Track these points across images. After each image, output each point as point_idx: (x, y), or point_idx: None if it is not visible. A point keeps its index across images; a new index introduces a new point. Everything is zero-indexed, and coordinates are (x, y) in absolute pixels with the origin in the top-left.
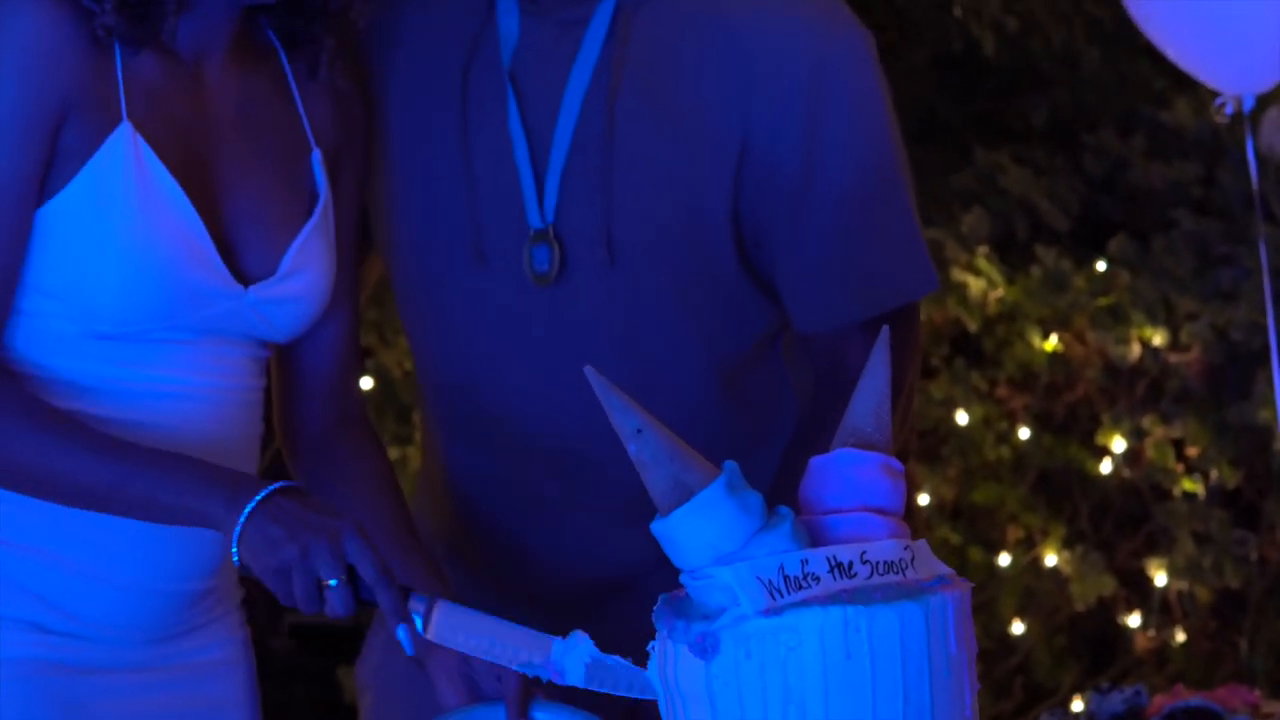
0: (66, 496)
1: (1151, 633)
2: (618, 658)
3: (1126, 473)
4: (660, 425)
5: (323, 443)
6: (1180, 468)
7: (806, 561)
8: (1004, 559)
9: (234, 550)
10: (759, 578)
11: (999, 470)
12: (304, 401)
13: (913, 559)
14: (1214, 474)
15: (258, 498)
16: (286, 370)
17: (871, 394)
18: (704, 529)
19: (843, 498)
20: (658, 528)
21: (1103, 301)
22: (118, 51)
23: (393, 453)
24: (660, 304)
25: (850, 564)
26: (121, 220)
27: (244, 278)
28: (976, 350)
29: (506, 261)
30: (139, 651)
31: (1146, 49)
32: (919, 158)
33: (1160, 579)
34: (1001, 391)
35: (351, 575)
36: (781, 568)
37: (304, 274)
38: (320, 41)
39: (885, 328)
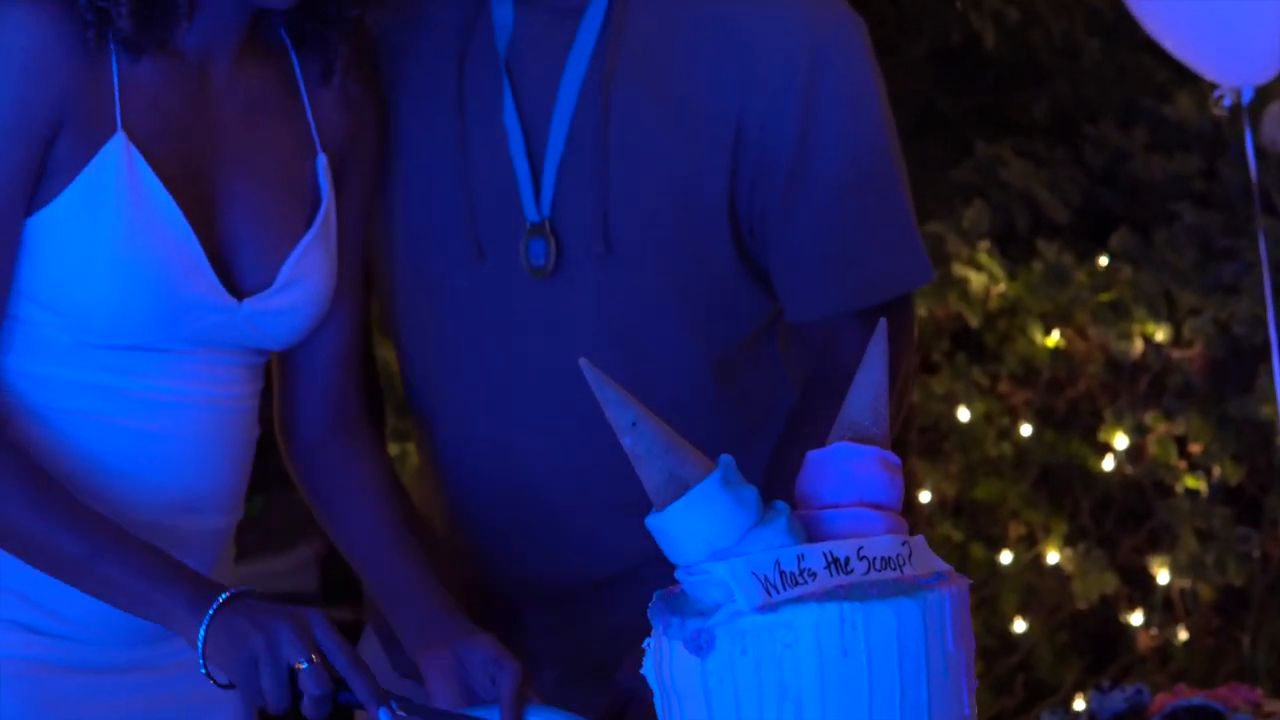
0: (42, 563)
1: (1154, 630)
2: None
3: (1129, 469)
4: (655, 418)
5: (321, 444)
6: (1183, 464)
7: (803, 557)
8: (1006, 556)
9: (200, 658)
10: (754, 573)
11: (1000, 466)
12: (302, 403)
13: (910, 555)
14: (1216, 470)
15: (219, 599)
16: (285, 372)
17: (869, 387)
18: (699, 524)
19: (840, 492)
20: (653, 522)
21: (1104, 296)
22: (114, 58)
23: (392, 448)
24: (657, 295)
25: (847, 560)
26: (112, 233)
27: (239, 290)
28: (978, 345)
29: (502, 255)
30: (127, 651)
31: (1147, 41)
32: (918, 151)
33: (1163, 576)
34: (1003, 387)
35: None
36: (777, 563)
37: (301, 285)
38: (335, 47)
39: (882, 321)
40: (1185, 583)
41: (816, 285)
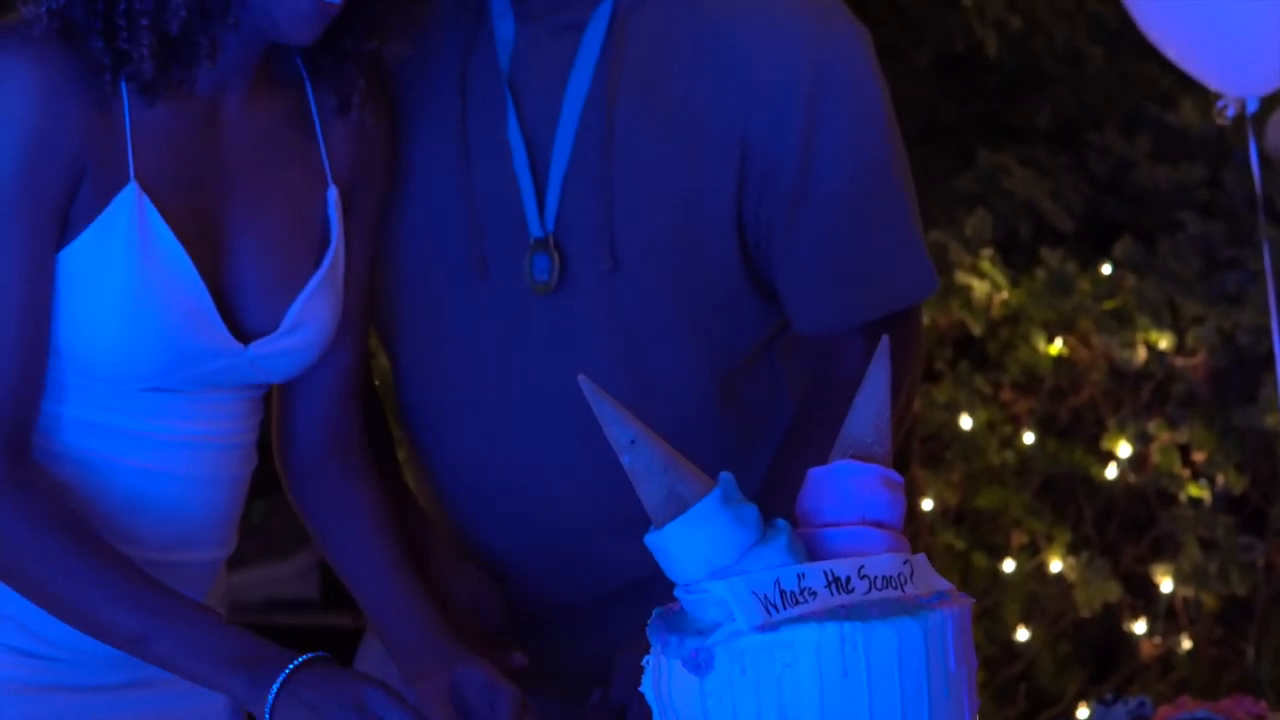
0: (93, 632)
1: (1157, 639)
2: None
3: (1132, 478)
4: (654, 436)
5: (318, 469)
6: (1186, 473)
7: (803, 576)
8: (1008, 564)
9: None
10: (754, 592)
11: (1003, 475)
12: (300, 429)
13: (911, 574)
14: (1220, 479)
15: (280, 679)
16: (284, 399)
17: (870, 405)
18: (698, 542)
19: (841, 511)
20: (652, 540)
21: (1108, 305)
22: (126, 104)
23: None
24: (661, 310)
25: (848, 579)
26: (122, 283)
27: (244, 333)
28: (980, 354)
29: (505, 271)
30: (117, 673)
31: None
32: (921, 159)
33: (1166, 585)
34: (1005, 395)
35: None
36: (777, 582)
37: (306, 329)
38: (352, 80)
39: (885, 338)
40: (1188, 592)
41: (824, 299)
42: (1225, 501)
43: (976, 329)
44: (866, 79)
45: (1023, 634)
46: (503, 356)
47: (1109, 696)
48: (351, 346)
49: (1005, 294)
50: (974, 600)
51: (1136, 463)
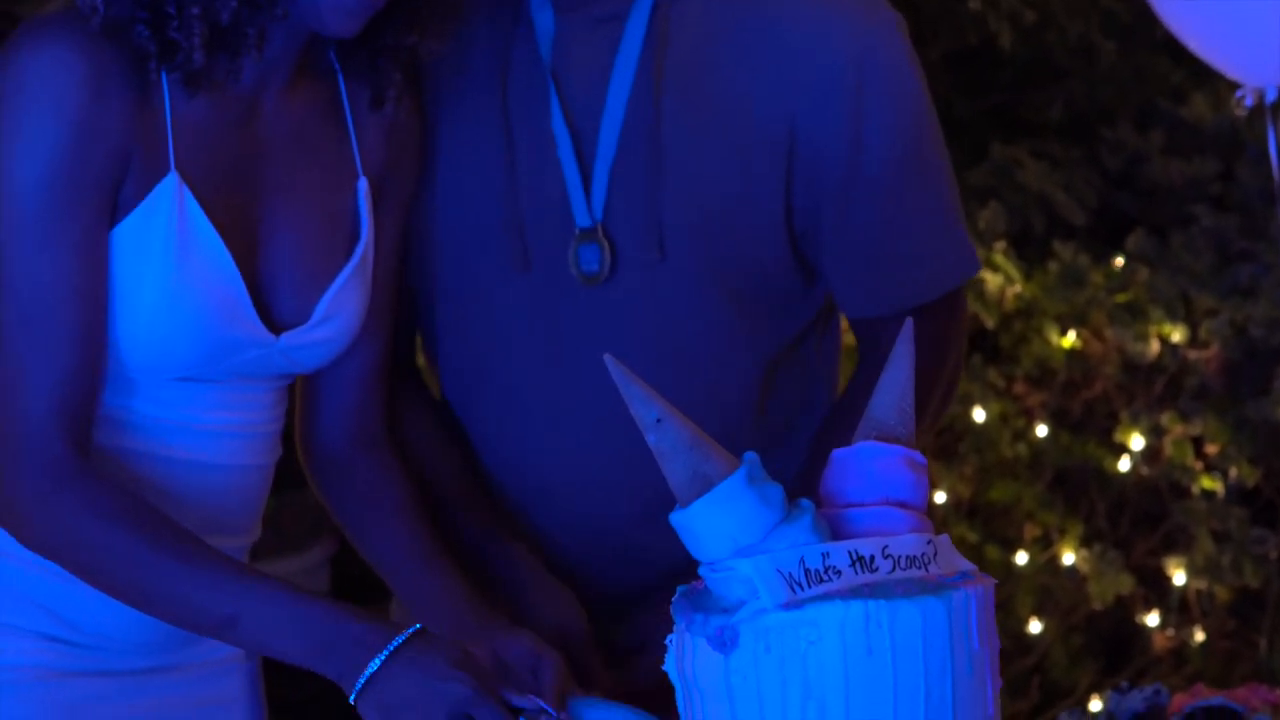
0: (181, 619)
1: (1170, 632)
2: None
3: (1145, 470)
4: (680, 415)
5: (342, 462)
6: (1199, 465)
7: (827, 555)
8: (1021, 557)
9: (352, 701)
10: (779, 570)
11: (1016, 468)
12: (325, 419)
13: (935, 554)
14: (1233, 472)
15: (368, 671)
16: (309, 389)
17: (894, 386)
18: (723, 521)
19: (864, 491)
20: (676, 519)
21: (1121, 298)
22: (166, 95)
23: None
24: (706, 300)
25: (872, 558)
26: (160, 274)
27: (275, 324)
28: (993, 347)
29: (550, 263)
30: (143, 658)
31: (1164, 43)
32: None
33: (1179, 578)
34: (1019, 388)
35: None
36: (802, 561)
37: (337, 319)
38: (388, 74)
39: (909, 321)
40: (1201, 584)
41: (873, 284)
42: (1238, 494)
43: (989, 322)
44: (908, 63)
45: (1035, 626)
46: (546, 350)
47: (1124, 685)
48: (379, 340)
49: (1018, 287)
50: (996, 581)
51: (1149, 455)
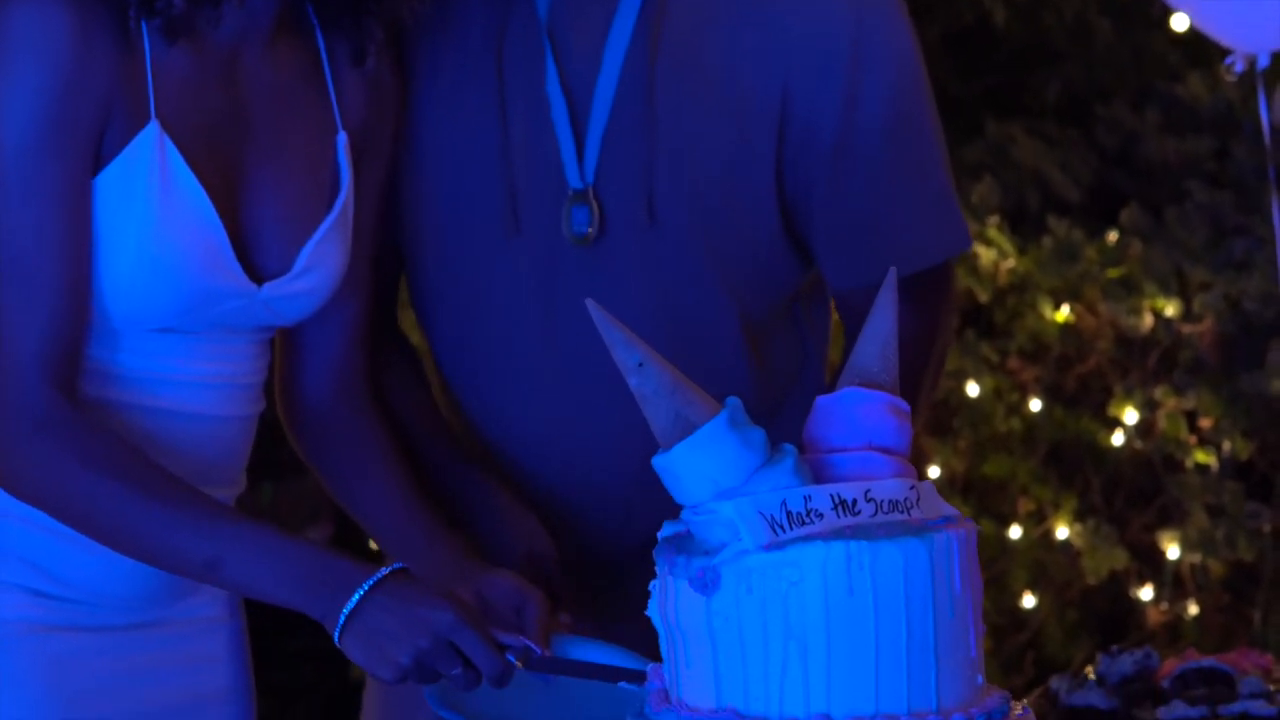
0: (163, 561)
1: (1164, 606)
2: None
3: (1138, 444)
4: (662, 360)
5: (324, 416)
6: (1193, 440)
7: (810, 498)
8: (1015, 532)
9: (336, 640)
10: (761, 513)
11: (1010, 442)
12: (307, 374)
13: (918, 499)
14: (1227, 446)
15: (349, 605)
16: (291, 344)
17: (877, 335)
18: (705, 464)
19: (847, 437)
20: (659, 462)
21: (1114, 272)
22: (147, 45)
23: None
24: (696, 264)
25: (854, 501)
26: (142, 222)
27: (257, 274)
28: (987, 322)
29: (541, 224)
30: (129, 615)
31: (1160, 22)
32: None
33: (1173, 552)
34: (1013, 363)
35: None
36: (784, 503)
37: (318, 270)
38: (369, 31)
39: (892, 270)
40: (1195, 558)
41: (862, 254)
42: (1232, 468)
43: (983, 296)
44: (904, 33)
45: (1029, 601)
46: (537, 312)
47: (1114, 649)
48: (360, 296)
49: (1012, 262)
50: (978, 527)
51: (1143, 430)
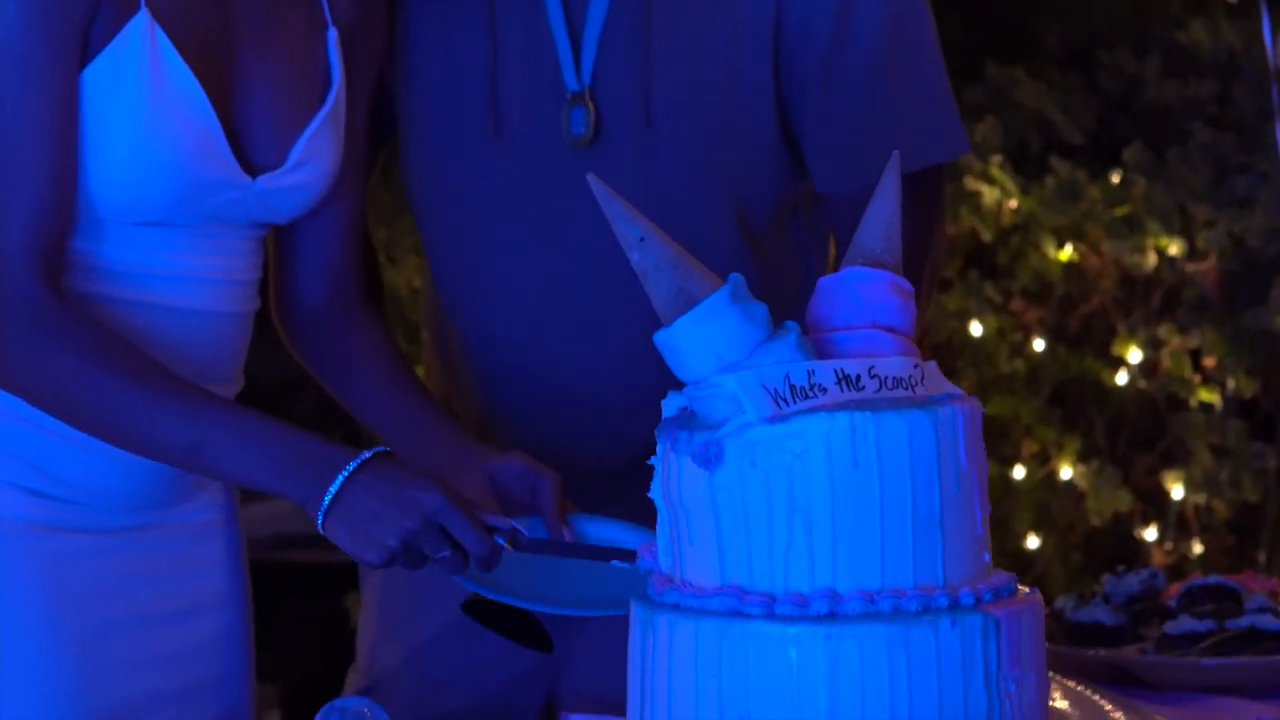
0: (146, 448)
1: (1169, 546)
2: None
3: (1142, 384)
4: (664, 235)
5: (319, 317)
6: (1197, 378)
7: (813, 372)
8: (1019, 473)
9: (320, 525)
10: (764, 386)
11: (1013, 383)
12: (302, 276)
13: (923, 377)
14: (1231, 384)
15: (334, 487)
16: (285, 246)
17: (880, 215)
18: (708, 337)
19: (851, 315)
20: (661, 338)
21: (1118, 211)
22: None
23: None
24: (693, 166)
25: (858, 377)
26: (134, 111)
27: (252, 167)
28: (990, 262)
29: (534, 128)
30: (126, 517)
31: None
32: None
33: (1177, 492)
34: (1016, 304)
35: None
36: (787, 377)
37: (312, 164)
38: None
39: (895, 154)
40: (1200, 499)
41: (852, 154)
42: (1236, 406)
43: (987, 235)
44: None
45: (1033, 542)
46: (529, 215)
47: (1120, 568)
48: (353, 195)
49: (1015, 201)
50: (984, 410)
51: (1147, 369)
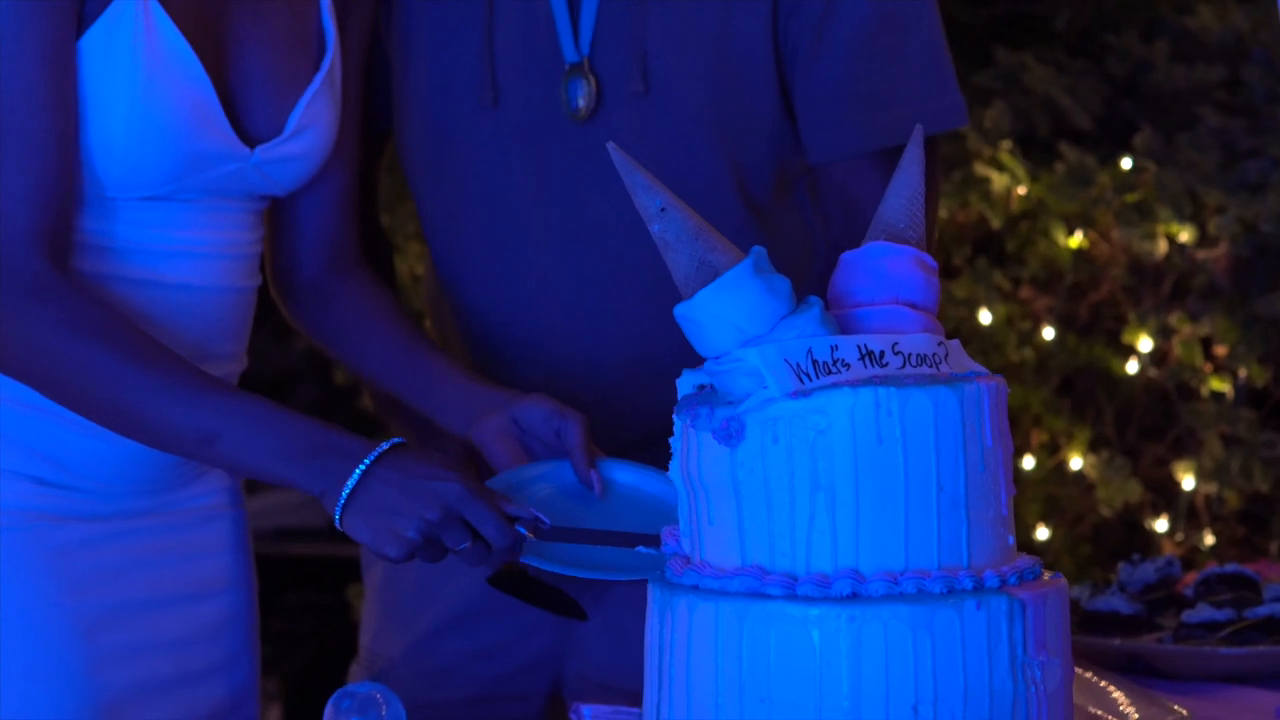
0: (156, 438)
1: (1179, 538)
2: None
3: (1152, 372)
4: (684, 205)
5: (323, 289)
6: (1208, 367)
7: (836, 347)
8: (1028, 463)
9: (337, 520)
10: (786, 360)
11: (1022, 372)
12: (301, 247)
13: (946, 355)
14: (1242, 372)
15: (352, 480)
16: (283, 218)
17: (903, 189)
18: (729, 310)
19: (874, 291)
20: (681, 311)
21: (1129, 198)
22: None
23: None
24: (695, 136)
25: (881, 353)
26: (129, 82)
27: (249, 138)
28: (999, 249)
29: (530, 99)
30: (132, 502)
31: None
32: None
33: (1187, 483)
34: (1025, 292)
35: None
36: (810, 352)
37: (309, 132)
38: None
39: (919, 127)
40: (1210, 489)
41: (838, 122)
42: (1247, 395)
43: (996, 222)
44: None
45: (1043, 533)
46: (528, 186)
47: (1136, 556)
48: (347, 166)
49: (1024, 187)
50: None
51: (1157, 358)
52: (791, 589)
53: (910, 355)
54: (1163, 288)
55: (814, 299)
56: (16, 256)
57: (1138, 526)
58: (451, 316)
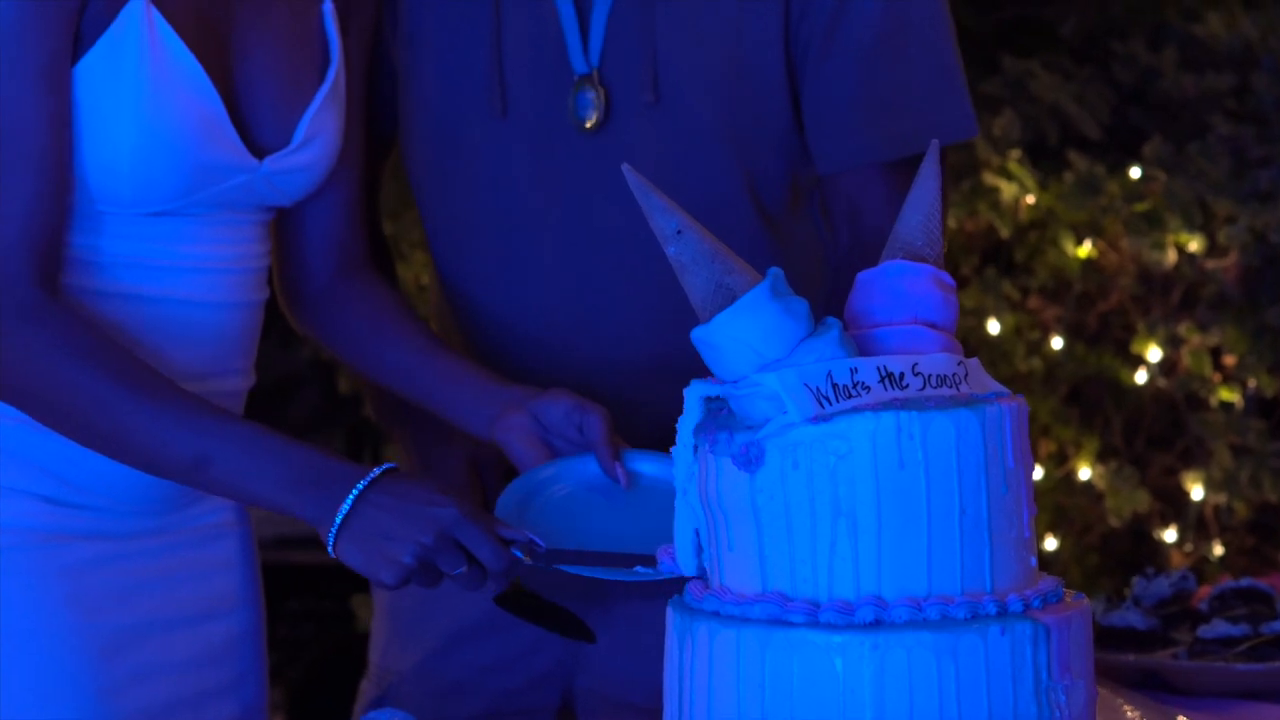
0: (148, 463)
1: (1188, 548)
2: None
3: (1161, 382)
4: (701, 227)
5: (329, 293)
6: (1217, 377)
7: (856, 370)
8: (1036, 472)
9: (330, 548)
10: (806, 385)
11: (1031, 382)
12: (309, 256)
13: (966, 375)
14: (1252, 382)
15: (345, 505)
16: (290, 228)
17: (920, 206)
18: (748, 334)
19: (892, 310)
20: (699, 335)
21: (1138, 207)
22: None
23: None
24: (704, 145)
25: (901, 375)
26: (136, 96)
27: (258, 149)
28: (1008, 259)
29: (539, 110)
30: (140, 521)
31: None
32: None
33: (1196, 493)
34: (1033, 301)
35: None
36: (829, 375)
37: (317, 141)
38: None
39: (934, 142)
40: (1220, 499)
41: (847, 132)
42: (1257, 405)
43: (1004, 231)
44: None
45: (1050, 544)
46: (538, 198)
47: (1150, 570)
48: (353, 168)
49: (1033, 197)
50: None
51: (1166, 368)
52: (814, 616)
53: (930, 376)
54: (1172, 297)
55: (832, 320)
56: (11, 279)
57: (1146, 537)
58: (457, 326)
